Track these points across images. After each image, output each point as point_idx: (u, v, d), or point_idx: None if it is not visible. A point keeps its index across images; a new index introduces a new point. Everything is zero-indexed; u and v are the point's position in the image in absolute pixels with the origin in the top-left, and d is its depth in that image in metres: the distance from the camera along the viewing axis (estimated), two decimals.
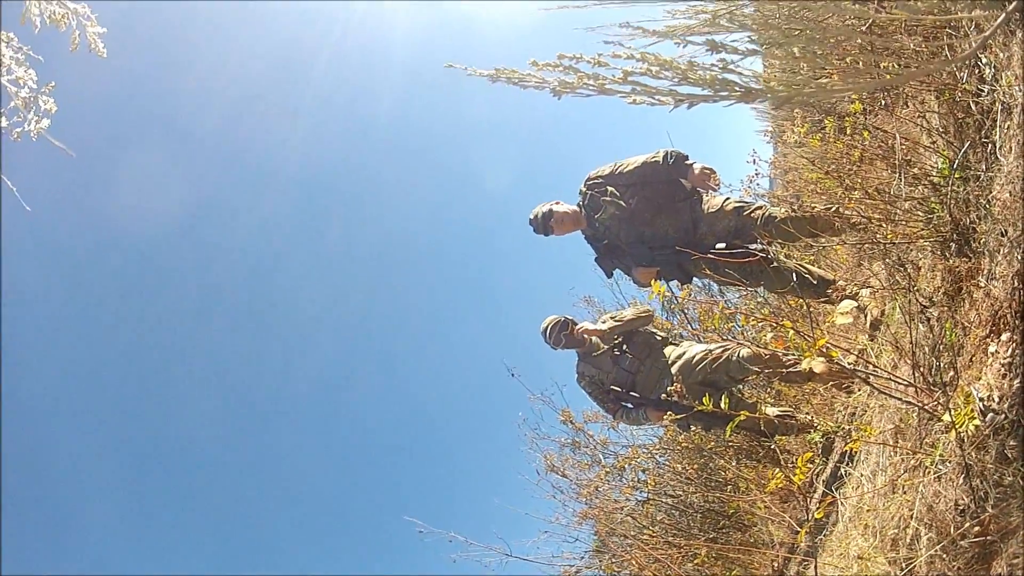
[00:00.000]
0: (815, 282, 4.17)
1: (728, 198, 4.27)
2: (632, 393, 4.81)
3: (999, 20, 1.72)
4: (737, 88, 1.61)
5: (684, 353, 4.51)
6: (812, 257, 4.98)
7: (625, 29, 1.76)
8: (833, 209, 3.45)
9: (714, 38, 1.62)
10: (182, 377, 25.43)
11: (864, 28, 1.95)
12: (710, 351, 4.31)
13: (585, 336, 4.82)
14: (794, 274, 4.13)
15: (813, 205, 3.70)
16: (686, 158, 4.17)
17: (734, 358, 4.15)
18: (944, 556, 1.66)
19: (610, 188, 4.34)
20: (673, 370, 4.49)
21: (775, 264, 4.07)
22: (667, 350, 4.67)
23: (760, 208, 4.18)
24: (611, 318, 4.99)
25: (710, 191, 4.24)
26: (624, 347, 4.84)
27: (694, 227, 4.24)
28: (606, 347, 4.86)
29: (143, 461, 24.26)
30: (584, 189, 4.45)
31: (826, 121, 3.69)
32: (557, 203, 4.51)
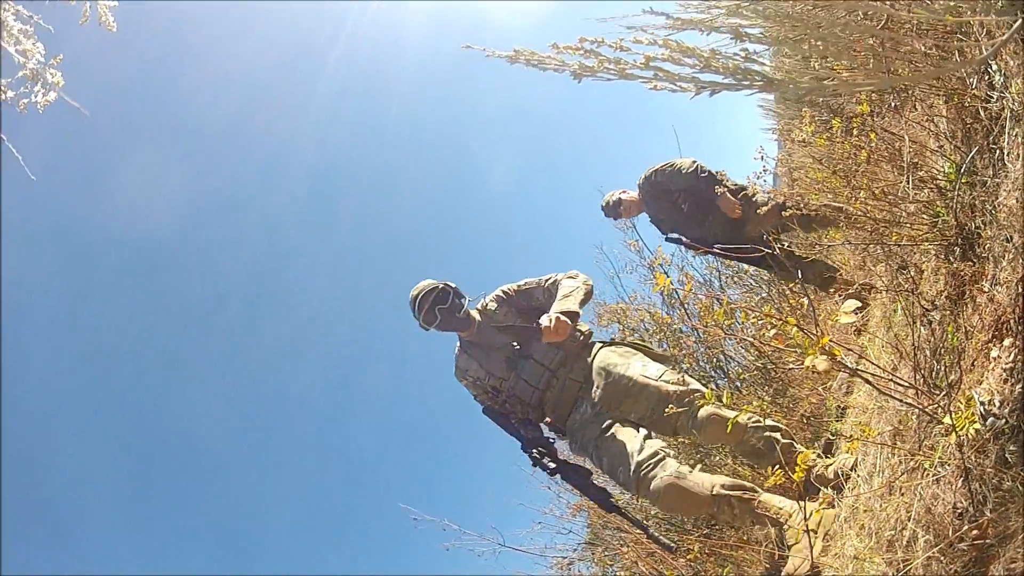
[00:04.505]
0: (820, 272, 4.48)
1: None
2: (542, 422, 3.61)
3: (1013, 28, 1.72)
4: (759, 78, 1.61)
5: (635, 371, 3.33)
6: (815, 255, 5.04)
7: (648, 15, 1.74)
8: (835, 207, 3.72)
9: (738, 27, 1.62)
10: (182, 372, 25.43)
11: (880, 26, 1.95)
12: (670, 392, 3.17)
13: (471, 315, 3.70)
14: (798, 269, 4.33)
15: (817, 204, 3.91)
16: (716, 181, 4.85)
17: (692, 413, 3.09)
18: (941, 558, 1.66)
19: (660, 206, 5.08)
20: (618, 382, 3.34)
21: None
22: (604, 357, 3.49)
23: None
24: (530, 288, 3.76)
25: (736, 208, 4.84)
26: (530, 351, 3.56)
27: (741, 226, 4.84)
28: (500, 344, 3.63)
29: (143, 461, 24.28)
30: (641, 183, 5.15)
31: (833, 121, 3.69)
32: (624, 192, 5.26)
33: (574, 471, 3.36)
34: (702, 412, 3.06)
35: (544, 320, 3.37)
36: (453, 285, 3.67)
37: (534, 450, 3.41)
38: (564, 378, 3.49)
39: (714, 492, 2.88)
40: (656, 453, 3.05)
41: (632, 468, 3.03)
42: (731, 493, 2.87)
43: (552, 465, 3.36)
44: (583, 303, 3.54)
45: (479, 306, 3.78)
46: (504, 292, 3.77)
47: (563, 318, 3.35)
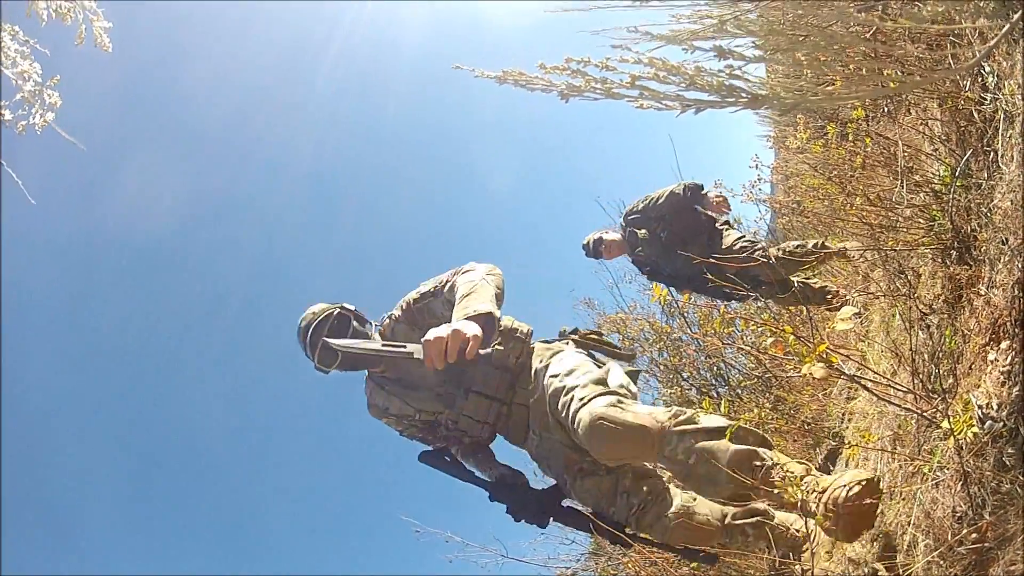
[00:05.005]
0: (815, 289, 4.48)
1: (740, 236, 4.90)
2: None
3: (1004, 30, 1.72)
4: (744, 94, 1.62)
5: (547, 375, 2.53)
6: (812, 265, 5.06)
7: (633, 33, 1.75)
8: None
9: (721, 44, 1.62)
10: (183, 375, 25.42)
11: (868, 35, 1.95)
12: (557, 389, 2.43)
13: (393, 351, 2.47)
14: (796, 282, 4.39)
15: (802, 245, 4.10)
16: (701, 188, 4.80)
17: (579, 419, 2.21)
18: (941, 562, 1.66)
19: (641, 232, 4.84)
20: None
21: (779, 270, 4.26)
22: (551, 359, 2.62)
23: (760, 248, 4.77)
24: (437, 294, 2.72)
25: (725, 224, 4.95)
26: (467, 382, 2.71)
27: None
28: (428, 384, 2.78)
29: (143, 461, 24.25)
30: (624, 224, 5.03)
31: (828, 127, 3.70)
32: (606, 232, 5.15)
33: (571, 511, 2.64)
34: (583, 412, 2.19)
35: (430, 334, 2.26)
36: (351, 307, 2.85)
37: (508, 500, 2.67)
38: (513, 404, 2.73)
39: (726, 523, 2.41)
40: (652, 489, 2.53)
41: (631, 508, 2.50)
42: (744, 522, 2.38)
43: (541, 514, 2.64)
44: (498, 298, 2.53)
45: (382, 327, 2.88)
46: (402, 306, 2.82)
47: (460, 328, 2.25)
